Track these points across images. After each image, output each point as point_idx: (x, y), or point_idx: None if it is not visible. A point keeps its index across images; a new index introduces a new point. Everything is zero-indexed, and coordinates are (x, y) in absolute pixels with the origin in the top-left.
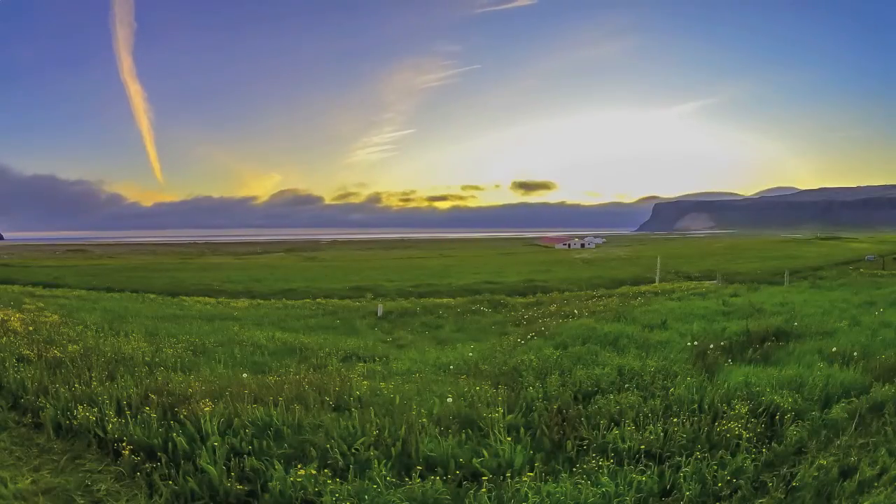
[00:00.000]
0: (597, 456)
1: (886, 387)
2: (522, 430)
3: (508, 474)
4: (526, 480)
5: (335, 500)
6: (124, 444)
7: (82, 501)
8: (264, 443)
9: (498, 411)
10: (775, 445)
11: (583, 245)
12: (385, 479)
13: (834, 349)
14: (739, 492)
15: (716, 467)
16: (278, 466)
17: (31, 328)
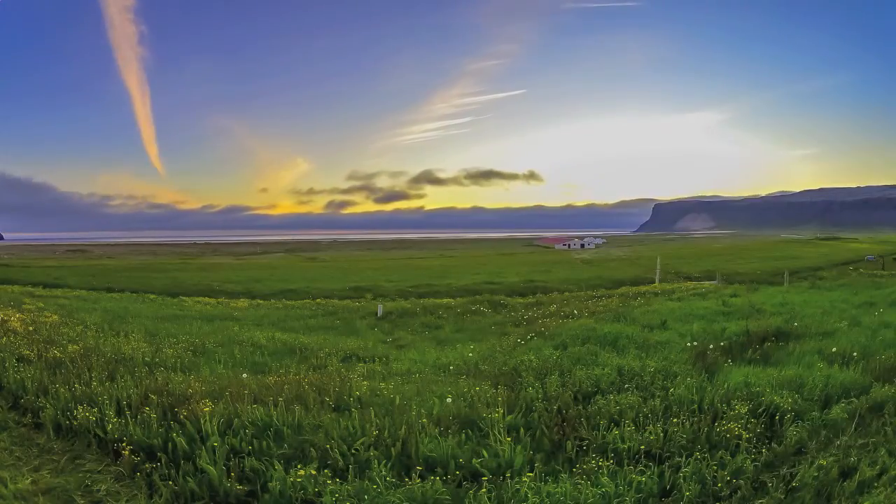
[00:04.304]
0: (597, 456)
1: (886, 387)
2: (522, 430)
3: (508, 474)
4: (526, 481)
5: (335, 501)
6: (124, 444)
7: (82, 501)
8: (264, 443)
9: (498, 412)
10: (775, 446)
11: (582, 245)
12: (385, 480)
13: (834, 349)
14: (739, 492)
15: (716, 467)
16: (278, 466)
17: (31, 328)
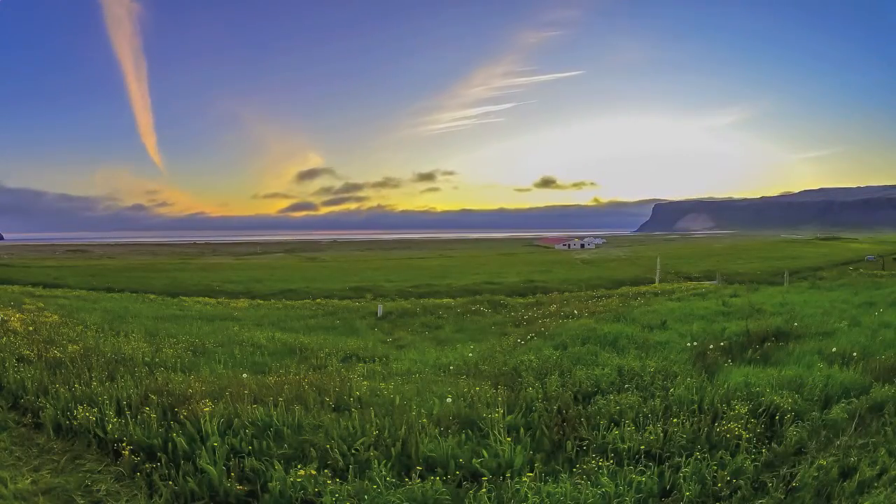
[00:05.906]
0: (597, 456)
1: (886, 387)
2: (522, 430)
3: (508, 474)
4: (526, 481)
5: (335, 501)
6: (124, 444)
7: (82, 501)
8: (264, 443)
9: (498, 412)
10: (775, 446)
11: (582, 245)
12: (385, 480)
13: (834, 349)
14: (739, 492)
15: (715, 468)
16: (278, 467)
17: (31, 328)
